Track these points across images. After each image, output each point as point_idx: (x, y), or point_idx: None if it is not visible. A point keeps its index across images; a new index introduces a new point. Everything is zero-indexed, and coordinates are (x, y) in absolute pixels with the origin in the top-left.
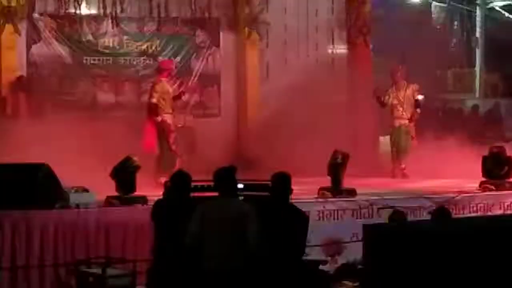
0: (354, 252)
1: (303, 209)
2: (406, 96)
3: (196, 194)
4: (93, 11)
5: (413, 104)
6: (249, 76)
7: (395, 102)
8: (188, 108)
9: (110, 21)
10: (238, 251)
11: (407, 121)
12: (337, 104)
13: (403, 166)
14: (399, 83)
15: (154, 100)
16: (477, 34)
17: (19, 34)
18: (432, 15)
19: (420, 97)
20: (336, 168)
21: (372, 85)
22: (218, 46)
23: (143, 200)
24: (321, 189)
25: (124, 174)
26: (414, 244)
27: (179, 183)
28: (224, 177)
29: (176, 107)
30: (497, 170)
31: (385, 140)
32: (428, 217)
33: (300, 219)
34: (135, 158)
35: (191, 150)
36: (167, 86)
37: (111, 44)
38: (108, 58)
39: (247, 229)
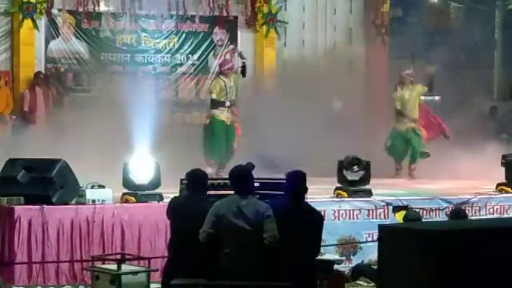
0: (369, 252)
1: (319, 209)
2: (412, 98)
3: (212, 191)
4: (112, 7)
5: (416, 108)
6: (266, 74)
7: (399, 104)
8: (206, 106)
9: (128, 18)
10: (254, 250)
11: (412, 124)
12: (353, 103)
13: (413, 167)
14: (406, 84)
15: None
16: (496, 36)
17: (38, 30)
18: (451, 16)
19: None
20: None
21: (387, 85)
22: (236, 44)
23: (159, 197)
24: (337, 188)
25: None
26: (429, 244)
27: (195, 181)
28: (241, 175)
29: (195, 105)
30: None
31: None
32: (445, 218)
33: (314, 218)
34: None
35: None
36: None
37: (129, 41)
38: (125, 54)
39: (263, 228)
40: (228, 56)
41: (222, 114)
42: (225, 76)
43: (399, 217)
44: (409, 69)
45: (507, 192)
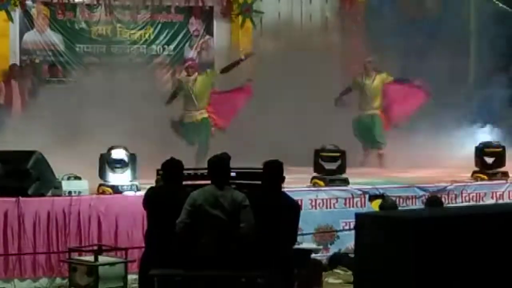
0: (346, 241)
1: (296, 198)
2: (374, 87)
3: (188, 181)
4: None
5: (381, 94)
6: (242, 64)
7: (363, 91)
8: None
9: (103, 9)
10: (231, 239)
11: (376, 111)
12: (330, 92)
13: (380, 152)
14: (368, 73)
15: None
16: (471, 25)
17: (12, 22)
18: (426, 5)
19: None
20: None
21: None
22: (211, 34)
23: (135, 188)
24: (314, 178)
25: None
26: (405, 232)
27: (171, 171)
28: (218, 165)
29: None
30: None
31: None
32: (421, 206)
33: (291, 207)
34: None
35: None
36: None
37: (104, 32)
38: (101, 46)
39: (240, 218)
40: (204, 46)
41: (190, 113)
42: (187, 74)
43: (375, 206)
44: (372, 56)
45: (482, 179)
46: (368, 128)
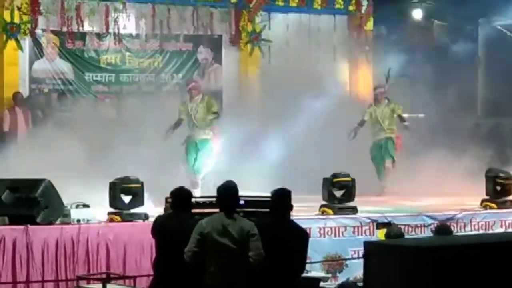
0: (355, 269)
1: (304, 226)
2: (385, 114)
3: (197, 210)
4: (96, 27)
5: (392, 122)
6: (251, 92)
7: (374, 118)
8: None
9: (112, 37)
10: (240, 268)
11: (389, 134)
12: (338, 120)
13: (382, 184)
14: (380, 101)
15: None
16: (479, 53)
17: (22, 50)
18: (434, 34)
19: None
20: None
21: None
22: (220, 63)
23: (144, 216)
24: (322, 206)
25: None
26: (415, 260)
27: (179, 199)
28: (226, 193)
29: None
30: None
31: None
32: (430, 234)
33: (300, 235)
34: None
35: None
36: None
37: (113, 61)
38: (110, 74)
39: (249, 246)
40: (212, 75)
41: (195, 133)
42: (191, 96)
43: (380, 235)
44: (384, 87)
45: (491, 208)
46: (381, 149)
